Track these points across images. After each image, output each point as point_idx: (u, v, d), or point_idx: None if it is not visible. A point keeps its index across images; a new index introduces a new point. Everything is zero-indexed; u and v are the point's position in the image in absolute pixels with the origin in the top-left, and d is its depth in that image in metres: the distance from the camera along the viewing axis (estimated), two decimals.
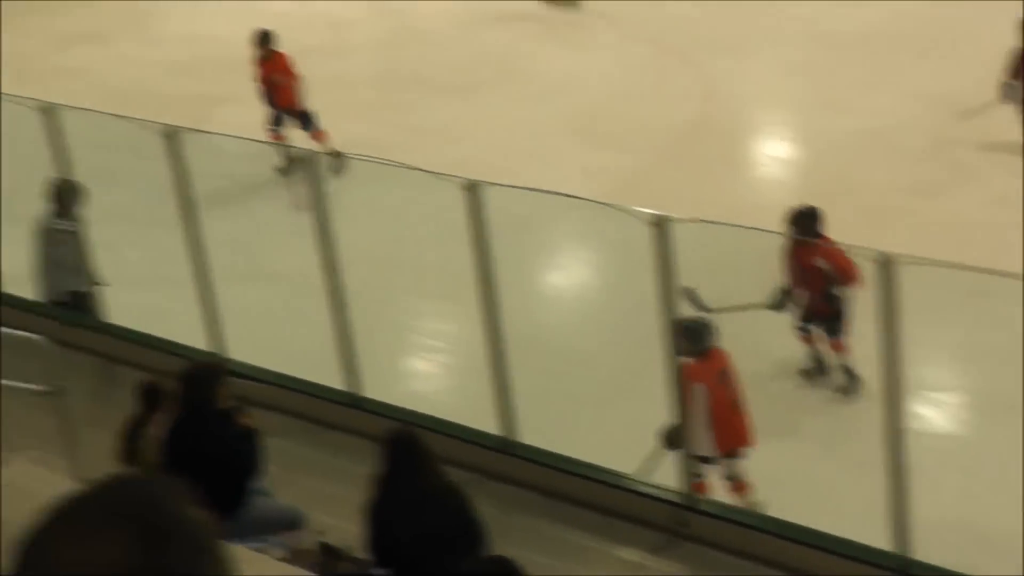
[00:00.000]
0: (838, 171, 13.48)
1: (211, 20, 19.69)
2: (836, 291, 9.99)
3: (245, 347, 9.82)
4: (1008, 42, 13.56)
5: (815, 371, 10.36)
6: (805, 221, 9.87)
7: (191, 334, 9.87)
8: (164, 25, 19.65)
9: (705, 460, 8.74)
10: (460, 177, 8.60)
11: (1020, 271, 8.60)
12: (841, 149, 13.97)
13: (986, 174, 13.23)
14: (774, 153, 14.56)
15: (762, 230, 9.46)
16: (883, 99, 14.88)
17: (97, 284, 10.55)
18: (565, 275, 12.29)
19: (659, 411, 8.42)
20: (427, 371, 10.96)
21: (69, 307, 10.53)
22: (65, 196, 10.31)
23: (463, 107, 15.87)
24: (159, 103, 15.42)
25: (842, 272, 9.77)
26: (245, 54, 17.40)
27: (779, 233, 9.61)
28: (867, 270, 7.46)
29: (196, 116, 13.73)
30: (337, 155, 13.41)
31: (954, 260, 8.15)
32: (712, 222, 9.15)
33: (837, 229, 9.90)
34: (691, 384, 8.50)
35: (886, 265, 7.10)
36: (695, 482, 8.57)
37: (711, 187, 13.30)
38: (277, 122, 14.40)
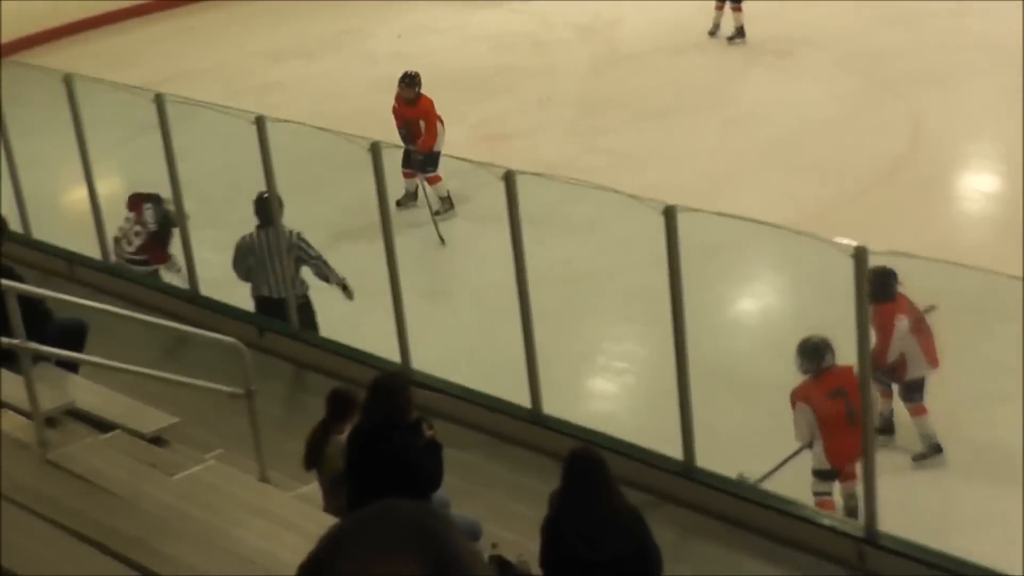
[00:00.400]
0: None
1: (417, 39, 20.03)
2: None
3: (431, 359, 9.96)
4: None
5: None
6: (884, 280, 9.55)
7: (380, 344, 10.04)
8: (373, 43, 20.05)
9: (826, 475, 8.95)
10: (657, 201, 8.60)
11: None
12: None
13: None
14: (982, 188, 14.23)
15: (963, 266, 9.27)
16: None
17: (297, 293, 10.77)
18: (757, 302, 12.19)
19: None
20: (611, 392, 10.96)
21: (269, 313, 10.78)
22: (269, 207, 10.57)
23: (665, 131, 15.86)
24: (365, 118, 15.75)
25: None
26: (451, 72, 17.72)
27: (979, 270, 9.39)
28: None
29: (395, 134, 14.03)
30: (447, 200, 13.51)
31: None
32: (912, 255, 9.02)
33: None
34: (796, 402, 8.88)
35: None
36: (818, 500, 8.82)
37: (914, 220, 13.06)
38: (411, 163, 13.92)
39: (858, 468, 8.74)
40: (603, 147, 15.54)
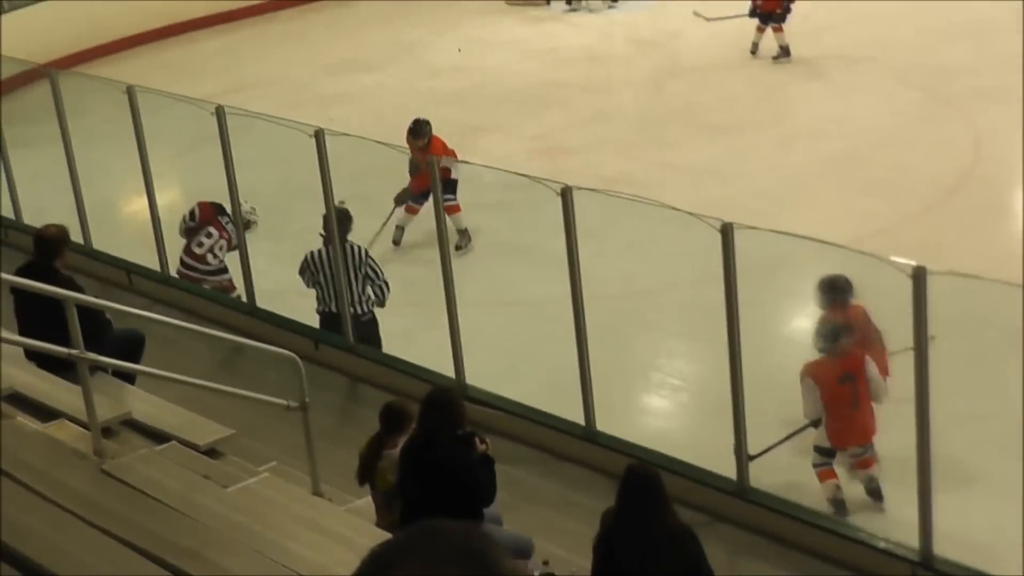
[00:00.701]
0: None
1: (477, 52, 20.11)
2: None
3: (485, 374, 9.98)
4: None
5: None
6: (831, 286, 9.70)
7: (435, 359, 10.07)
8: (432, 56, 20.13)
9: (825, 452, 9.13)
10: (715, 218, 8.59)
11: None
12: None
13: None
14: None
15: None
16: None
17: (364, 310, 10.81)
18: (813, 321, 12.13)
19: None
20: (665, 409, 10.93)
21: (333, 329, 10.81)
22: (336, 222, 10.61)
23: (725, 147, 15.82)
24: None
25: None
26: (510, 85, 17.74)
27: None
28: None
29: (459, 145, 14.03)
30: (465, 233, 13.36)
31: None
32: (970, 276, 8.96)
33: None
34: (804, 378, 9.10)
35: None
36: (818, 471, 9.09)
37: (976, 239, 12.98)
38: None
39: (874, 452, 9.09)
40: (662, 162, 15.51)
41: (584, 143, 16.36)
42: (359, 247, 10.87)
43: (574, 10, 22.40)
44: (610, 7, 22.35)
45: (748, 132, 16.16)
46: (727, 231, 8.40)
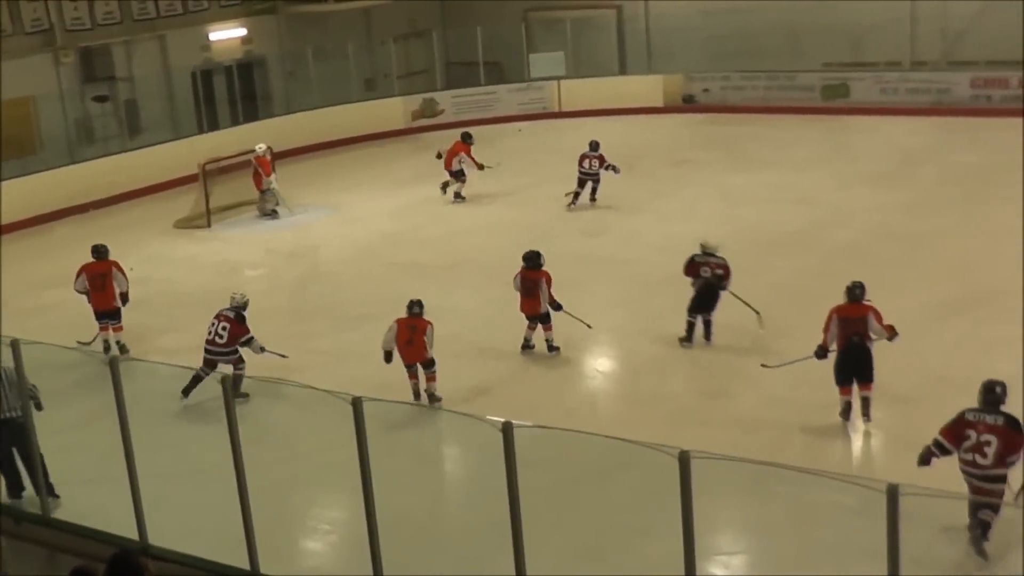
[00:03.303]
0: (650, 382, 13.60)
1: (158, 267, 19.64)
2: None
3: (169, 533, 9.53)
4: None
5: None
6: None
7: (123, 524, 9.55)
8: None
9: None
10: (347, 394, 8.51)
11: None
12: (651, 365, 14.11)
13: None
14: (601, 368, 14.62)
15: (586, 433, 9.44)
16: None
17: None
18: (432, 470, 12.13)
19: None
20: (317, 549, 10.66)
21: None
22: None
23: (360, 333, 15.84)
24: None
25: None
26: (186, 293, 17.31)
27: (599, 435, 9.53)
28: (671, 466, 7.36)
29: (143, 344, 13.60)
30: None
31: None
32: (550, 427, 9.18)
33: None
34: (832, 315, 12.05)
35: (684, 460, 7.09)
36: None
37: (553, 397, 13.30)
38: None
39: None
40: (312, 349, 15.40)
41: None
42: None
43: (270, 217, 22.49)
44: (297, 214, 22.58)
45: (378, 321, 16.17)
46: (356, 404, 8.34)
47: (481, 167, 22.56)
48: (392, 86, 30.86)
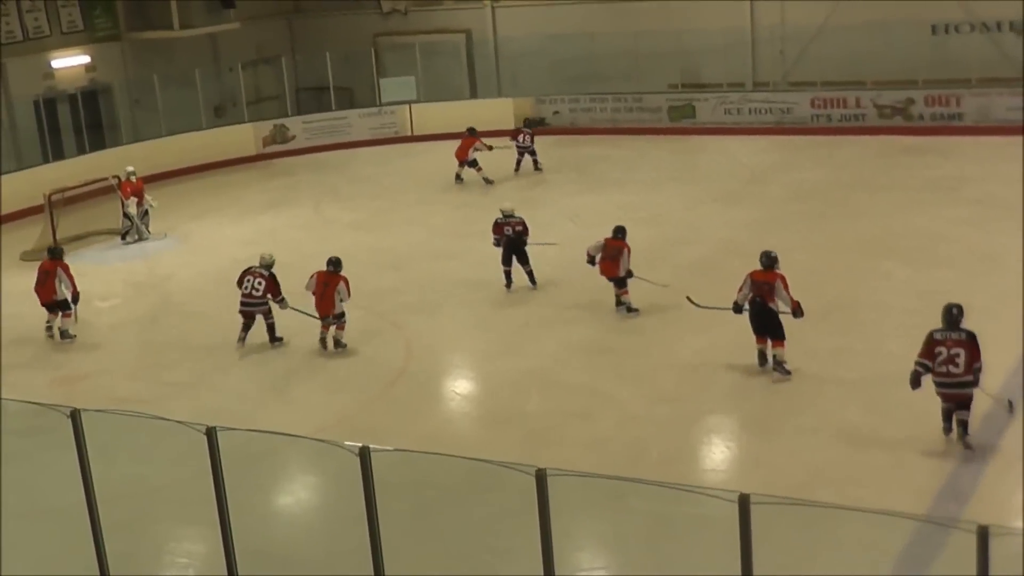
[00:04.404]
0: (508, 403, 13.70)
1: (6, 301, 19.09)
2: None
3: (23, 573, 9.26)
4: None
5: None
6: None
7: None
8: None
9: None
10: (201, 424, 8.40)
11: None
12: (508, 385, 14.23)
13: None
14: (458, 390, 14.66)
15: (444, 455, 9.50)
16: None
17: None
18: (291, 499, 12.00)
19: None
20: None
21: None
22: None
23: (211, 363, 15.62)
24: None
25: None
26: (28, 328, 16.87)
27: (457, 456, 9.59)
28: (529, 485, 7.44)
29: None
30: None
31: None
32: (408, 451, 9.19)
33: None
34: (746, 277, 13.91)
35: (541, 479, 7.16)
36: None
37: (411, 420, 13.32)
38: None
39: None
40: (165, 380, 15.13)
41: (97, 369, 15.75)
42: None
43: (128, 243, 22.35)
44: (161, 238, 22.55)
45: (231, 350, 16.01)
46: (211, 434, 8.23)
47: (491, 148, 25.17)
48: (242, 113, 30.53)
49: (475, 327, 16.57)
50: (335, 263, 15.66)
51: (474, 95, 32.13)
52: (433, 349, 15.66)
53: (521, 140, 25.91)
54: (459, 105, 30.82)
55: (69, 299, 16.96)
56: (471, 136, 25.39)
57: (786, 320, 13.63)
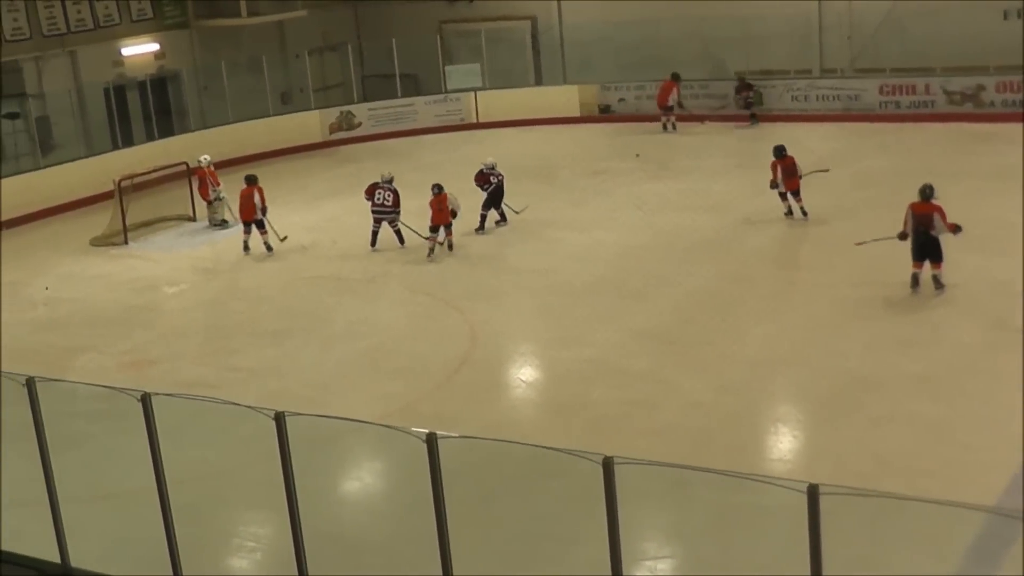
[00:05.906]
0: (573, 391, 13.67)
1: (71, 285, 19.35)
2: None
3: (91, 556, 9.37)
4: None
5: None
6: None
7: (44, 547, 9.39)
8: (32, 292, 19.17)
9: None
10: (270, 409, 8.44)
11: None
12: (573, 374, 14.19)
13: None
14: (523, 377, 14.66)
15: (511, 442, 9.47)
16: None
17: None
18: (358, 484, 12.06)
19: None
20: (243, 567, 10.55)
21: None
22: None
23: (280, 349, 15.73)
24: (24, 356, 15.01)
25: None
26: (100, 311, 17.05)
27: (523, 443, 9.57)
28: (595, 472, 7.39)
29: (59, 365, 13.31)
30: None
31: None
32: (474, 437, 9.17)
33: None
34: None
35: (608, 466, 7.11)
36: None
37: (478, 408, 13.33)
38: None
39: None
40: (231, 365, 15.26)
41: (165, 354, 15.91)
42: None
43: (220, 227, 22.57)
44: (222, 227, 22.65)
45: (298, 336, 16.13)
46: (279, 419, 8.27)
47: (682, 106, 28.36)
48: (308, 99, 30.70)
49: (538, 314, 16.55)
50: (439, 186, 19.05)
51: (539, 82, 32.07)
52: (497, 336, 15.66)
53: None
54: (524, 92, 30.77)
55: (263, 217, 20.05)
56: (672, 81, 27.28)
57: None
